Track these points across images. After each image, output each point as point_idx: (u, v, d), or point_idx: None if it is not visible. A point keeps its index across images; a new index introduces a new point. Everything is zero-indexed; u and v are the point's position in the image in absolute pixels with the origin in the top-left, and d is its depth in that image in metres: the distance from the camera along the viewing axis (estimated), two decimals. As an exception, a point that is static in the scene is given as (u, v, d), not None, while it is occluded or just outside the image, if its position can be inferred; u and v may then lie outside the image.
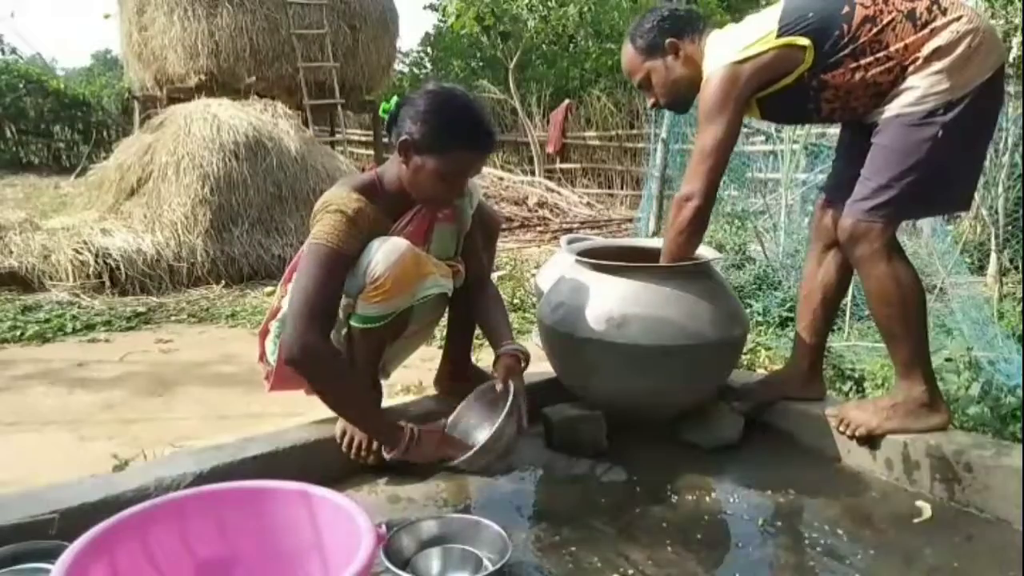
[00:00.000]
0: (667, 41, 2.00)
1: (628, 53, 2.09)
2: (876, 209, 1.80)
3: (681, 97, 2.09)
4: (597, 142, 10.97)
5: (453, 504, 1.81)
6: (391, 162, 1.85)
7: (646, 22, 2.05)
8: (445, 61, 14.78)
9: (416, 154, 1.75)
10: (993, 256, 4.17)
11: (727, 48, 1.90)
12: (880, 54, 1.76)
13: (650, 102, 2.13)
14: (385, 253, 1.74)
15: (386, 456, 1.81)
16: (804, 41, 1.80)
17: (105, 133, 14.85)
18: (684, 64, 2.01)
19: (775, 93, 1.89)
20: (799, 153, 4.41)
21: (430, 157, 1.74)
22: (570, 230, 7.65)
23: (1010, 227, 3.52)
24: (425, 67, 16.00)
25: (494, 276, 2.26)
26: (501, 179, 9.39)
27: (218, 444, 1.86)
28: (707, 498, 1.85)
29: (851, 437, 1.96)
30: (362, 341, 1.85)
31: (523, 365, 1.94)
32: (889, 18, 1.75)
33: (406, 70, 15.53)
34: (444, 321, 2.23)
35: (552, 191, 9.19)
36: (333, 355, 1.77)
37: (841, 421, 1.99)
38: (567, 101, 11.21)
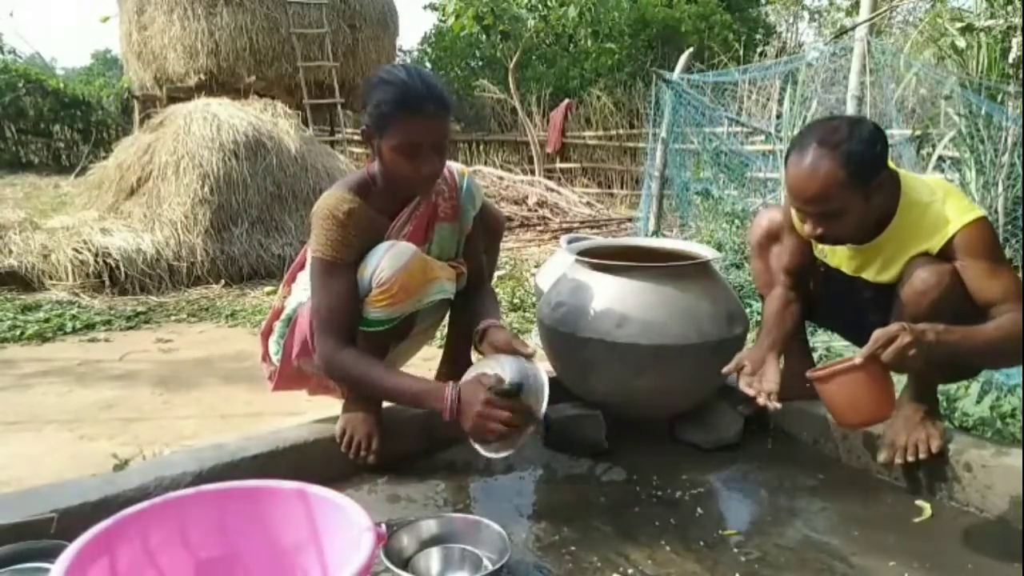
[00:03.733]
0: (884, 172, 1.68)
1: (832, 174, 1.61)
2: None
3: (858, 236, 1.77)
4: (597, 142, 10.96)
5: (453, 504, 1.81)
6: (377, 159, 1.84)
7: (863, 140, 1.63)
8: (445, 61, 14.77)
9: (375, 139, 1.74)
10: (993, 256, 4.15)
11: (958, 198, 1.74)
12: None
13: (817, 231, 1.71)
14: (392, 258, 1.74)
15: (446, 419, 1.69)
16: None
17: (105, 133, 14.84)
18: (881, 195, 1.70)
19: None
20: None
21: (383, 137, 1.71)
22: (570, 230, 7.64)
23: (1010, 227, 3.51)
24: (425, 66, 15.98)
25: (495, 276, 2.25)
26: (501, 179, 9.37)
27: (218, 444, 1.86)
28: (707, 498, 1.85)
29: (918, 459, 1.81)
30: (366, 344, 1.85)
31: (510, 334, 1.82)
32: None
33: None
34: (444, 320, 2.23)
35: (552, 191, 9.18)
36: (355, 360, 1.77)
37: (897, 451, 1.83)
38: (567, 101, 11.21)
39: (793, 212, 1.85)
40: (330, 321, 1.76)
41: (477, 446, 1.73)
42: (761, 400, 1.77)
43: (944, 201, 1.72)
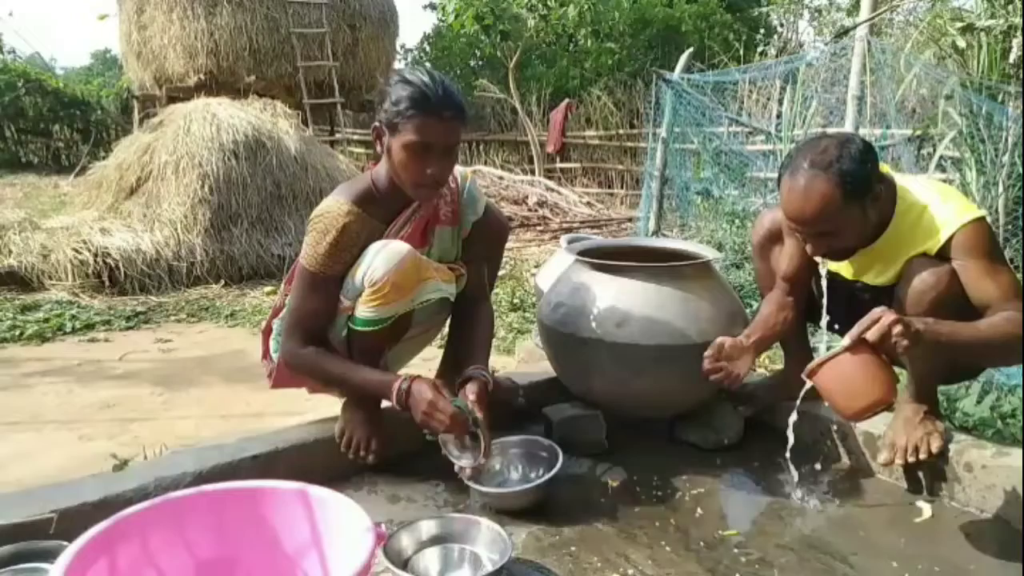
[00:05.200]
0: (877, 184, 1.68)
1: (826, 196, 1.61)
2: None
3: (859, 247, 1.78)
4: (597, 141, 10.95)
5: (453, 504, 1.81)
6: (383, 159, 1.84)
7: (853, 158, 1.62)
8: (445, 60, 14.77)
9: (386, 136, 1.74)
10: (993, 256, 4.14)
11: (955, 199, 1.74)
12: None
13: (819, 250, 1.75)
14: (385, 257, 1.73)
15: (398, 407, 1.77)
16: None
17: (104, 132, 14.84)
18: (877, 207, 1.70)
19: None
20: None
21: (394, 135, 1.71)
22: (570, 230, 7.64)
23: (1010, 227, 3.51)
24: (425, 66, 15.97)
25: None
26: (501, 179, 9.37)
27: (218, 444, 1.86)
28: (707, 498, 1.85)
29: (918, 460, 1.81)
30: (360, 344, 1.84)
31: (488, 391, 1.83)
32: None
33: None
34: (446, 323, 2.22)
35: (552, 190, 9.17)
36: (314, 354, 1.82)
37: (898, 452, 1.82)
38: (567, 100, 11.20)
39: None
40: (299, 328, 1.82)
41: (448, 455, 1.77)
42: (719, 376, 1.82)
43: (942, 202, 1.72)
